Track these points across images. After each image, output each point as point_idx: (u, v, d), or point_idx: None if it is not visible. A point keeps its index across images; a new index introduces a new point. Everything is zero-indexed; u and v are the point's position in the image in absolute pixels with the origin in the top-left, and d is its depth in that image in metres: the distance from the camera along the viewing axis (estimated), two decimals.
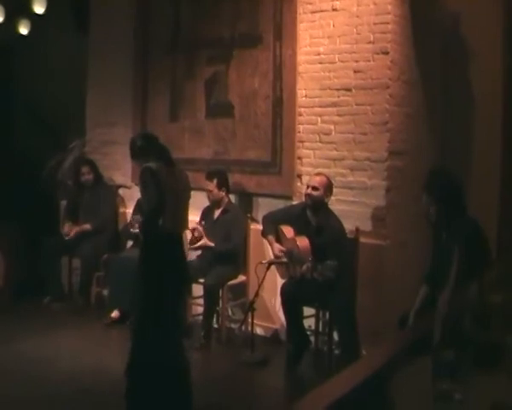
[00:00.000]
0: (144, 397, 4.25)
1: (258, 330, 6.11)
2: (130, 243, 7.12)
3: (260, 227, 5.89)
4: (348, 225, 5.50)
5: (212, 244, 6.10)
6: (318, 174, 5.57)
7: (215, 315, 6.25)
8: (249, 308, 5.55)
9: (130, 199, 7.28)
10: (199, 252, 6.24)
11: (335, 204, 5.65)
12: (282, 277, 5.70)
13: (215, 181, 6.21)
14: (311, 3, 5.91)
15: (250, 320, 5.60)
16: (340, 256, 5.08)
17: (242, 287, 6.31)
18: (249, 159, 6.41)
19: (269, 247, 5.77)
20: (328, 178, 5.50)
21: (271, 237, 5.68)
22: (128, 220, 7.06)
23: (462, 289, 2.70)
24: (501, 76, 5.82)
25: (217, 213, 6.32)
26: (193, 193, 6.21)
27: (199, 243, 6.08)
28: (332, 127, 5.84)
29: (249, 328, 5.71)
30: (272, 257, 5.68)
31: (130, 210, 7.17)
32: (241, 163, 6.47)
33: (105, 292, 6.99)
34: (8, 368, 5.18)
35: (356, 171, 5.70)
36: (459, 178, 4.70)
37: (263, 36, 6.26)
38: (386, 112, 5.54)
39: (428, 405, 2.35)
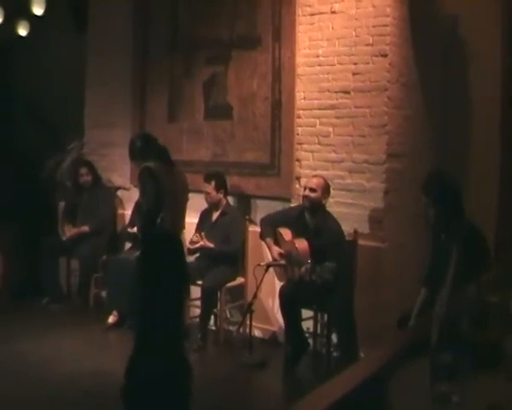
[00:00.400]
0: (144, 400, 4.23)
1: (257, 333, 6.10)
2: (128, 245, 7.11)
3: (258, 229, 5.89)
4: (346, 228, 5.50)
5: (211, 245, 6.10)
6: (315, 176, 5.58)
7: (213, 317, 6.26)
8: (247, 310, 5.55)
9: (129, 200, 7.27)
10: (197, 254, 6.24)
11: (334, 206, 5.65)
12: (280, 279, 5.70)
13: (213, 183, 6.20)
14: (309, 6, 5.91)
15: (248, 322, 5.60)
16: (338, 258, 5.08)
17: (240, 289, 6.30)
18: (248, 161, 6.41)
19: (267, 249, 5.77)
20: (325, 180, 5.50)
21: (270, 240, 5.68)
22: (126, 222, 7.07)
23: (460, 289, 2.70)
24: (500, 78, 5.82)
25: (215, 215, 6.31)
26: (191, 195, 6.26)
27: (198, 244, 6.08)
28: (330, 129, 5.84)
29: (247, 330, 5.71)
30: (270, 259, 5.68)
31: (128, 212, 7.17)
32: (239, 165, 6.47)
33: (103, 294, 6.98)
34: (6, 369, 5.17)
35: (354, 173, 5.70)
36: (457, 180, 4.70)
37: (262, 37, 6.27)
38: (385, 114, 5.54)
39: (426, 407, 2.34)
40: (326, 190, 5.47)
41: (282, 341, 5.88)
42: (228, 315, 6.50)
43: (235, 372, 5.45)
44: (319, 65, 5.88)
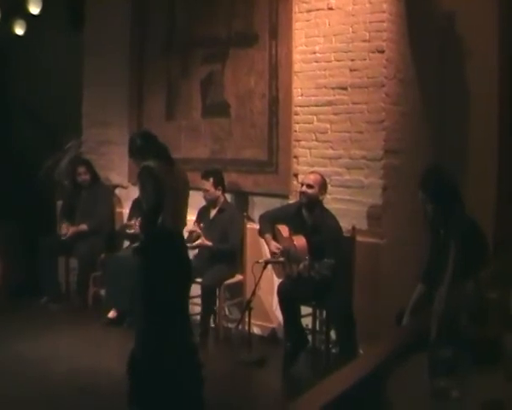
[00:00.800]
0: (151, 398, 4.22)
1: (256, 330, 6.11)
2: (126, 243, 7.11)
3: (257, 226, 5.89)
4: (345, 224, 5.50)
5: (210, 243, 6.10)
6: (312, 172, 5.59)
7: (212, 315, 6.26)
8: (246, 307, 5.55)
9: (127, 199, 7.27)
10: (196, 251, 6.24)
11: (332, 203, 5.65)
12: (279, 276, 5.70)
13: (211, 180, 6.21)
14: (306, 2, 5.91)
15: (247, 319, 5.59)
16: (336, 255, 5.08)
17: (239, 286, 6.31)
18: (245, 158, 6.41)
19: (265, 246, 5.77)
20: (322, 176, 5.51)
21: (268, 236, 5.68)
22: (124, 221, 7.07)
23: (459, 285, 2.70)
24: (497, 74, 5.83)
25: (213, 212, 6.31)
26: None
27: (196, 242, 6.08)
28: (328, 126, 5.84)
29: (246, 327, 5.70)
30: (269, 256, 5.68)
31: (126, 210, 7.17)
32: (237, 162, 6.47)
33: (102, 292, 6.98)
34: (4, 368, 5.16)
35: (352, 169, 5.70)
36: (455, 176, 4.70)
37: (258, 35, 6.26)
38: (382, 110, 5.54)
39: (425, 402, 2.35)
40: (323, 186, 5.48)
41: (281, 338, 5.88)
42: (227, 312, 6.50)
43: (234, 369, 5.45)
44: (316, 61, 5.88)
